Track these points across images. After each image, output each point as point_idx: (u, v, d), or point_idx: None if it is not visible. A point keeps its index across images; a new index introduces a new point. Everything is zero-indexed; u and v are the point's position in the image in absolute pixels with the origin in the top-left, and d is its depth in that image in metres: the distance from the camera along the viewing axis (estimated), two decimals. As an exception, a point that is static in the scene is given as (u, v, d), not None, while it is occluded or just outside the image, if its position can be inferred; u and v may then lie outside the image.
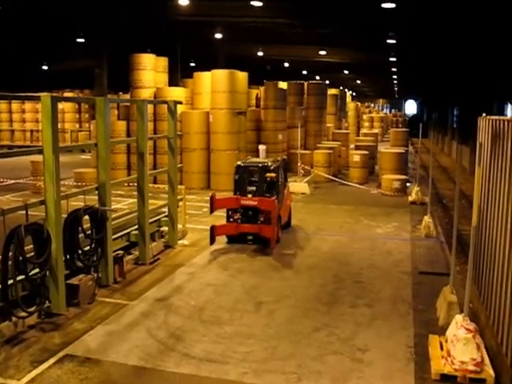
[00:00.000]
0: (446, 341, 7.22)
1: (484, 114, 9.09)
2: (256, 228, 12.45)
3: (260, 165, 13.01)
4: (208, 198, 12.85)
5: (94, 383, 6.56)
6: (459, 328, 6.96)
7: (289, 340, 7.83)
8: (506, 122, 7.34)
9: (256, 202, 12.32)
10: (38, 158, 8.68)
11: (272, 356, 7.34)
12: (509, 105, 29.98)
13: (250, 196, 12.63)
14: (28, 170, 21.07)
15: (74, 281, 8.98)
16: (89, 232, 9.37)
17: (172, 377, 6.78)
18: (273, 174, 12.76)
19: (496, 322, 7.34)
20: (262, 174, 12.77)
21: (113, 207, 10.56)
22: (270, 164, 13.00)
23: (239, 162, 13.30)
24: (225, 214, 13.14)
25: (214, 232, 12.40)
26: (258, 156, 18.11)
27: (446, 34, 21.80)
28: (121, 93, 35.25)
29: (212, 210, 12.67)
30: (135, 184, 11.39)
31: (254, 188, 12.79)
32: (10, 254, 7.53)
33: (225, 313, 8.81)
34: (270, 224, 12.18)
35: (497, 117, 8.16)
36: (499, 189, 7.57)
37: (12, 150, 11.50)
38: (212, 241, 12.41)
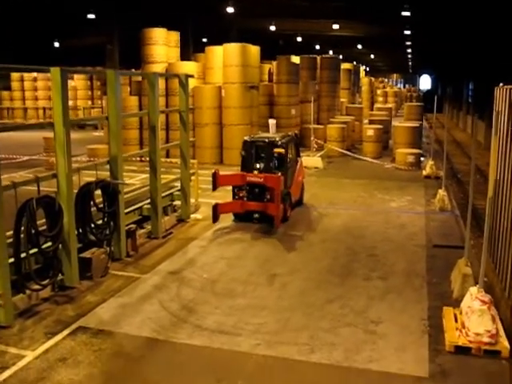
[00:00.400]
0: (461, 313, 7.16)
1: (501, 84, 8.89)
2: (262, 206, 11.98)
3: (267, 140, 12.50)
4: (221, 173, 12.29)
5: (107, 354, 6.59)
6: (474, 300, 6.89)
7: (302, 312, 7.81)
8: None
9: (262, 179, 11.76)
10: (51, 134, 8.64)
11: (285, 328, 7.33)
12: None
13: (256, 172, 12.17)
14: (41, 147, 21.11)
15: (86, 254, 9.01)
16: (101, 206, 9.37)
17: (184, 348, 6.79)
18: (281, 150, 12.38)
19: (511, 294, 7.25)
20: (269, 149, 12.37)
21: (128, 184, 10.52)
22: (278, 139, 12.49)
23: (246, 138, 12.85)
24: None
25: (217, 210, 11.96)
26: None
27: (461, 5, 21.37)
28: (133, 69, 35.07)
29: (215, 187, 12.22)
30: (148, 159, 11.34)
31: (262, 164, 12.42)
32: (22, 228, 7.55)
33: (237, 285, 8.80)
34: (273, 201, 11.60)
35: (514, 86, 7.96)
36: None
37: (23, 123, 11.47)
38: (215, 219, 11.98)
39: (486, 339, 6.62)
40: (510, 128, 7.89)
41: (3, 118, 41.27)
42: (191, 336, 7.07)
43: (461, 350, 6.67)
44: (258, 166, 12.44)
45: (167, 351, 6.75)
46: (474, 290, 7.10)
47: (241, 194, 12.28)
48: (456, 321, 7.19)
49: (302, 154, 15.16)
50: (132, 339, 7.02)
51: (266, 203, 11.91)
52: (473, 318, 6.75)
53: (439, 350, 6.74)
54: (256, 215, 12.29)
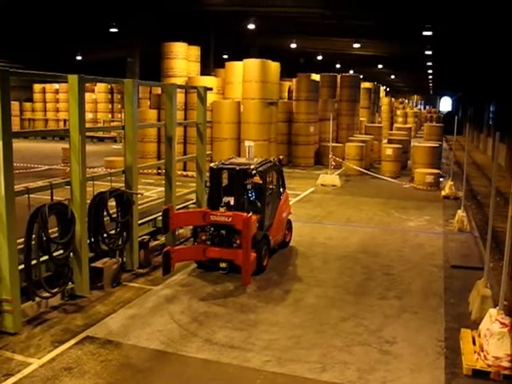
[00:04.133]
0: (479, 335, 6.92)
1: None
2: (230, 253, 9.49)
3: (239, 167, 9.94)
4: (177, 210, 10.71)
5: (114, 365, 6.45)
6: (494, 322, 6.66)
7: (314, 329, 7.61)
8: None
9: (230, 219, 9.31)
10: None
11: (296, 345, 7.13)
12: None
13: (223, 210, 9.65)
14: (60, 158, 21.22)
15: (98, 264, 8.92)
16: (114, 215, 9.29)
17: (193, 362, 6.62)
18: (256, 180, 10.34)
19: (533, 317, 7.00)
20: (242, 179, 9.93)
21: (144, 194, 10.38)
22: (253, 166, 9.98)
23: (212, 164, 10.37)
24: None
25: (169, 258, 9.22)
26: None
27: (483, 25, 21.21)
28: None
29: (166, 230, 9.75)
30: (164, 171, 11.26)
31: (232, 198, 10.06)
32: (34, 235, 7.48)
33: (250, 300, 8.63)
34: (242, 248, 9.13)
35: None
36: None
37: (37, 130, 11.47)
38: (166, 270, 9.28)
39: (505, 363, 6.37)
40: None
41: (24, 129, 41.66)
42: (200, 350, 6.91)
43: (479, 374, 6.42)
44: (227, 200, 10.10)
45: (175, 364, 6.59)
46: (493, 311, 6.87)
47: (204, 237, 9.85)
48: (474, 343, 6.95)
49: (318, 173, 14.79)
50: (140, 351, 6.87)
51: (235, 250, 9.46)
52: (492, 341, 6.51)
53: (456, 373, 6.50)
54: (223, 264, 9.71)
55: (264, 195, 10.31)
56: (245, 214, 9.15)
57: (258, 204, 10.32)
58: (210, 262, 9.88)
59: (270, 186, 10.93)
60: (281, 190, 11.49)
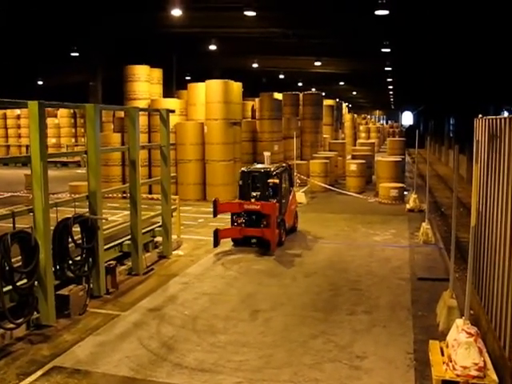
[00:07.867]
0: (447, 346, 6.99)
1: (480, 115, 8.95)
2: (259, 231, 12.86)
3: (263, 170, 13.53)
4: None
5: (82, 395, 6.33)
6: (460, 332, 6.73)
7: (285, 348, 7.60)
8: (502, 121, 7.17)
9: (259, 207, 12.71)
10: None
11: (267, 365, 7.10)
12: (505, 112, 29.99)
13: (253, 201, 13.02)
14: (23, 184, 20.86)
15: (64, 291, 8.76)
16: (79, 241, 9.16)
17: (163, 387, 6.54)
18: (275, 180, 13.37)
19: (498, 325, 7.11)
20: (264, 179, 13.31)
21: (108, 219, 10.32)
22: (272, 170, 13.49)
23: (243, 168, 13.92)
24: (220, 224, 13.74)
25: (217, 235, 12.74)
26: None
27: (440, 42, 21.76)
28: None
29: (215, 214, 13.06)
30: (129, 195, 11.18)
31: (258, 193, 13.27)
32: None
33: (219, 321, 8.58)
34: (269, 227, 12.54)
35: (493, 116, 8.00)
36: (497, 190, 7.38)
37: None
38: (215, 243, 12.73)
39: (473, 372, 6.43)
40: (489, 157, 7.89)
41: (-15, 156, 40.92)
42: (171, 374, 6.83)
43: (448, 385, 6.49)
44: (254, 194, 13.27)
45: (145, 391, 6.50)
46: (459, 322, 6.95)
47: (239, 221, 13.17)
48: (442, 354, 7.01)
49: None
50: (109, 378, 6.75)
51: (262, 229, 12.82)
52: (459, 351, 6.57)
53: (426, 385, 6.56)
54: (254, 240, 13.17)
55: (280, 190, 13.57)
56: (271, 202, 12.89)
57: (276, 196, 13.41)
58: (243, 240, 13.22)
59: (283, 185, 14.00)
60: (290, 188, 14.90)
